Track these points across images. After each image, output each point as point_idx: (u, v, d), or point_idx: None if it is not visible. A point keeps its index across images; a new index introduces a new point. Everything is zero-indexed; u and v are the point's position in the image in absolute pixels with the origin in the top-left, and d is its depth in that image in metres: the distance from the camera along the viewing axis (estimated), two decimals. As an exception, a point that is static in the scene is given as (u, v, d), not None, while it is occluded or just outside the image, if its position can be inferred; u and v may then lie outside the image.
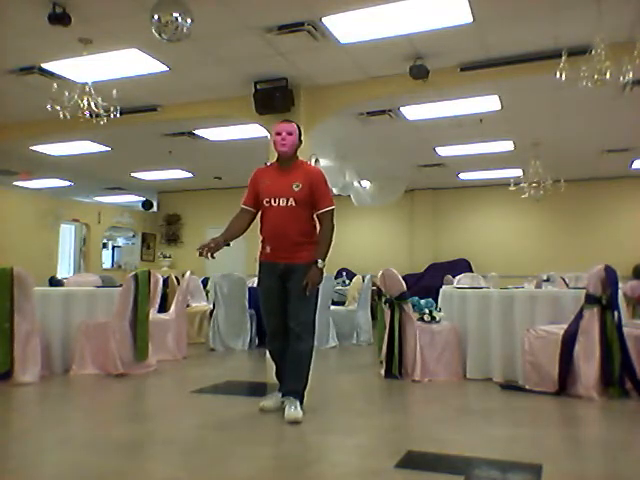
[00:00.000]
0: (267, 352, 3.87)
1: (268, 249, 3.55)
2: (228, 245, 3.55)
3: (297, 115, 6.52)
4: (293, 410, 3.38)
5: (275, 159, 3.71)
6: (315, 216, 3.58)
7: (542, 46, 5.52)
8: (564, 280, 5.51)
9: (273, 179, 3.58)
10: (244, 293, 6.99)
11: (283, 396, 3.55)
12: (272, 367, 3.86)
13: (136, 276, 5.20)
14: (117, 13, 4.90)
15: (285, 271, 3.50)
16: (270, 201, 3.52)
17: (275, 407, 3.57)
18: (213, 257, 3.41)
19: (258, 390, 4.34)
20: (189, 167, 11.39)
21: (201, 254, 3.42)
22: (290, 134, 3.56)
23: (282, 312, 3.54)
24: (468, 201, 12.62)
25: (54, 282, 5.97)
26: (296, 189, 3.49)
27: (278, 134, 3.56)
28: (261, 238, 3.61)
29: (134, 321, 5.14)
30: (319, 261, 3.46)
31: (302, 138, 3.68)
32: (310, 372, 3.60)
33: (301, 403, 3.47)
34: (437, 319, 4.99)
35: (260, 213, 3.64)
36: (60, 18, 4.73)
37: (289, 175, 3.55)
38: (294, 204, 3.47)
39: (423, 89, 6.21)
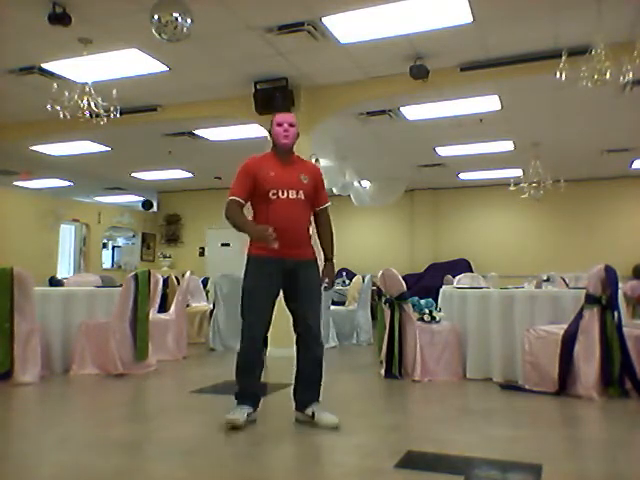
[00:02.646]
0: (240, 355, 3.32)
1: (276, 245, 3.19)
2: None
3: (297, 115, 6.48)
4: (330, 415, 3.27)
5: (271, 150, 3.47)
6: (314, 212, 3.47)
7: (542, 46, 5.52)
8: (564, 280, 5.51)
9: (277, 170, 3.33)
10: (244, 293, 6.98)
11: (304, 405, 3.36)
12: (270, 367, 3.71)
13: (136, 276, 5.20)
14: (117, 13, 4.90)
15: (293, 268, 3.29)
16: (277, 193, 3.27)
17: (244, 422, 3.20)
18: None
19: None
20: (189, 167, 11.39)
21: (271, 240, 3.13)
22: (292, 125, 3.39)
23: (271, 315, 3.32)
24: (468, 201, 12.62)
25: (54, 282, 5.97)
26: (304, 181, 3.35)
27: (279, 125, 3.39)
28: None
29: (134, 321, 5.14)
30: (334, 259, 3.45)
31: (299, 130, 3.50)
32: None
33: None
34: (437, 319, 4.99)
35: (257, 205, 3.34)
36: (60, 18, 4.74)
37: (293, 167, 3.40)
38: (303, 197, 3.33)
39: (423, 89, 6.21)
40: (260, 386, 3.49)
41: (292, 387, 3.45)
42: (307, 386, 3.39)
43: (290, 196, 3.29)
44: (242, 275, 3.41)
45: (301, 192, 3.32)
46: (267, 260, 3.28)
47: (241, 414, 3.22)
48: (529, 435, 3.22)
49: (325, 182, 3.61)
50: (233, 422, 3.17)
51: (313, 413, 3.31)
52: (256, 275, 3.31)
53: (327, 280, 3.41)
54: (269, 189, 3.28)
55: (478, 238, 12.42)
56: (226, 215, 3.28)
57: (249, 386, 3.35)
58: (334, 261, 3.47)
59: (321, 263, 3.47)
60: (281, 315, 3.46)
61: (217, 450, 2.89)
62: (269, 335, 3.40)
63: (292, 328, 3.41)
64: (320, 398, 3.40)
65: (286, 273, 3.30)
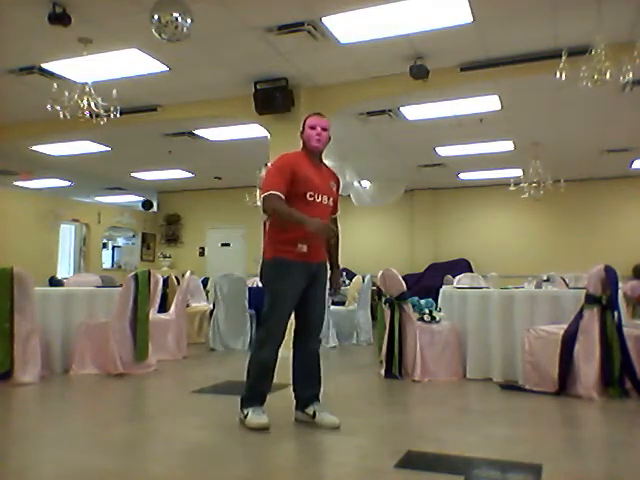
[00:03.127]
0: (261, 361, 3.26)
1: (305, 248, 3.18)
2: None
3: (297, 115, 6.52)
4: (331, 415, 3.27)
5: (301, 150, 3.37)
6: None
7: (542, 46, 5.52)
8: (564, 280, 5.51)
9: (313, 173, 3.27)
10: (244, 293, 6.99)
11: (305, 404, 3.35)
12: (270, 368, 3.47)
13: (136, 276, 5.20)
14: (117, 13, 4.90)
15: (316, 270, 3.30)
16: (314, 196, 3.22)
17: (268, 423, 3.18)
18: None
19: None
20: (189, 167, 11.39)
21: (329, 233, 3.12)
22: (325, 130, 3.32)
23: (290, 316, 3.33)
24: (468, 201, 12.62)
25: (54, 282, 5.96)
26: (333, 188, 3.38)
27: (312, 128, 3.30)
28: (286, 235, 3.20)
29: (134, 321, 5.14)
30: (340, 267, 3.53)
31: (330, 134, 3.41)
32: None
33: None
34: (437, 319, 4.99)
35: (291, 205, 3.15)
36: (60, 18, 4.74)
37: (322, 172, 3.37)
38: (331, 204, 3.35)
39: (423, 89, 6.21)
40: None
41: (292, 386, 3.44)
42: (306, 382, 3.39)
43: (323, 201, 3.29)
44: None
45: (331, 199, 3.35)
46: (295, 264, 3.21)
47: (264, 415, 3.21)
48: (529, 435, 3.22)
49: None
50: (265, 425, 3.15)
51: (314, 413, 3.30)
52: (285, 279, 3.21)
53: (336, 286, 3.48)
54: (307, 191, 3.21)
55: (478, 238, 12.42)
56: (270, 208, 3.13)
57: (264, 390, 3.31)
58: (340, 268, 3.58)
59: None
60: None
61: (217, 450, 2.89)
62: None
63: (292, 328, 3.39)
64: (320, 398, 3.39)
65: (309, 277, 3.28)
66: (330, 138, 3.39)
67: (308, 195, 3.21)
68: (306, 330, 3.37)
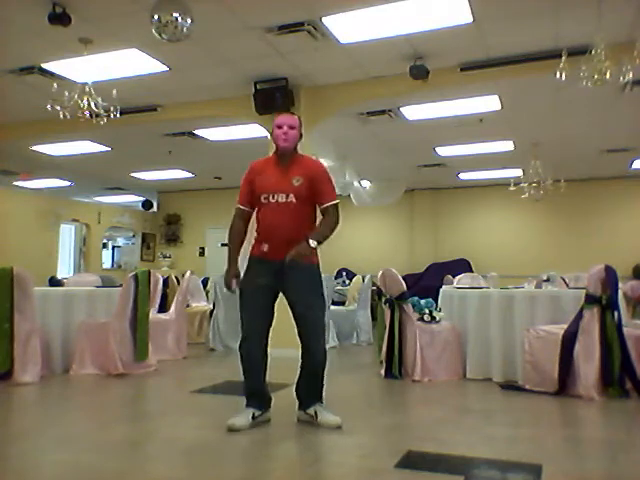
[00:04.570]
0: (242, 360, 3.31)
1: (265, 247, 3.29)
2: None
3: (297, 115, 6.51)
4: (332, 416, 3.28)
5: (273, 152, 3.44)
6: (320, 211, 3.37)
7: (542, 46, 5.52)
8: (564, 280, 5.51)
9: (271, 174, 3.33)
10: (244, 293, 6.98)
11: (307, 405, 3.35)
12: (270, 367, 3.45)
13: (136, 276, 5.20)
14: (117, 13, 4.90)
15: (281, 269, 3.20)
16: (268, 197, 3.28)
17: (246, 425, 3.20)
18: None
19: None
20: (189, 167, 11.39)
21: (234, 291, 3.34)
22: (292, 128, 3.31)
23: (267, 314, 3.32)
24: (468, 201, 12.62)
25: (54, 282, 5.96)
26: (296, 184, 3.27)
27: (279, 127, 3.31)
28: (256, 235, 3.38)
29: (134, 321, 5.14)
30: (311, 240, 3.13)
31: (302, 131, 3.44)
32: None
33: None
34: (437, 319, 4.99)
35: (256, 210, 3.38)
36: (60, 18, 4.74)
37: (288, 170, 3.33)
38: (294, 200, 3.26)
39: (423, 89, 6.21)
40: (265, 386, 3.40)
41: (295, 386, 3.44)
42: (308, 382, 3.38)
43: (279, 200, 3.26)
44: (242, 275, 3.41)
45: (291, 195, 3.26)
46: (256, 261, 3.36)
47: (245, 417, 3.23)
48: (529, 435, 3.22)
49: None
50: (230, 426, 3.18)
51: (316, 413, 3.30)
52: (247, 275, 3.36)
53: (292, 253, 3.09)
54: (260, 194, 3.32)
55: (478, 238, 12.41)
56: (229, 229, 3.43)
57: (253, 386, 3.33)
58: (312, 244, 3.14)
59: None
60: (280, 315, 3.44)
61: (217, 450, 2.89)
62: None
63: (293, 328, 3.37)
64: (323, 399, 3.39)
65: (276, 275, 3.26)
66: (302, 136, 3.41)
67: (262, 198, 3.31)
68: (300, 331, 3.32)
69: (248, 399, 3.33)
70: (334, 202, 3.33)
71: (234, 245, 3.43)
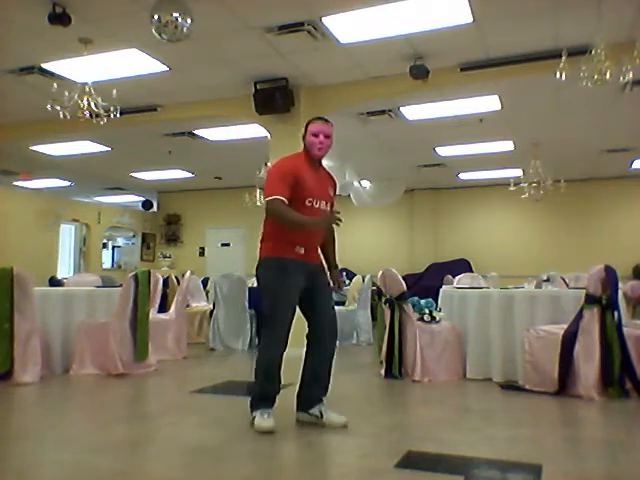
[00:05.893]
0: (268, 363, 3.25)
1: (302, 250, 3.24)
2: None
3: (297, 115, 6.53)
4: (337, 415, 3.29)
5: (300, 153, 3.35)
6: None
7: (542, 46, 5.53)
8: (564, 280, 5.51)
9: (310, 178, 3.26)
10: (244, 293, 6.99)
11: (310, 405, 3.34)
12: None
13: (136, 276, 5.20)
14: (117, 13, 4.90)
15: (314, 271, 3.34)
16: (313, 201, 3.24)
17: (273, 427, 3.16)
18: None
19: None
20: (189, 167, 11.40)
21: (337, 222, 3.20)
22: (327, 137, 3.28)
23: (293, 316, 3.31)
24: (468, 201, 12.63)
25: (54, 282, 5.96)
26: (331, 194, 3.41)
27: (315, 136, 3.25)
28: (290, 237, 3.23)
29: (134, 321, 5.14)
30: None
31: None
32: None
33: None
34: (437, 319, 4.99)
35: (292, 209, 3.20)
36: (60, 18, 4.74)
37: (321, 177, 3.38)
38: (327, 208, 3.34)
39: (423, 89, 6.22)
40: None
41: (297, 387, 3.42)
42: (314, 382, 3.35)
43: (321, 207, 3.29)
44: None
45: (328, 204, 3.36)
46: (293, 263, 3.23)
47: (270, 419, 3.19)
48: (529, 435, 3.21)
49: None
50: (269, 429, 3.13)
51: (321, 413, 3.29)
52: (285, 278, 3.22)
53: (337, 284, 3.55)
54: (306, 197, 3.22)
55: (478, 238, 12.42)
56: (275, 212, 3.16)
57: (272, 392, 3.29)
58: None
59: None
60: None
61: (217, 450, 2.89)
62: None
63: (300, 329, 3.43)
64: (325, 400, 3.37)
65: (308, 276, 3.29)
66: (332, 144, 3.38)
67: (307, 201, 3.22)
68: (318, 331, 3.37)
69: (265, 401, 3.26)
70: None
71: (293, 211, 3.16)
